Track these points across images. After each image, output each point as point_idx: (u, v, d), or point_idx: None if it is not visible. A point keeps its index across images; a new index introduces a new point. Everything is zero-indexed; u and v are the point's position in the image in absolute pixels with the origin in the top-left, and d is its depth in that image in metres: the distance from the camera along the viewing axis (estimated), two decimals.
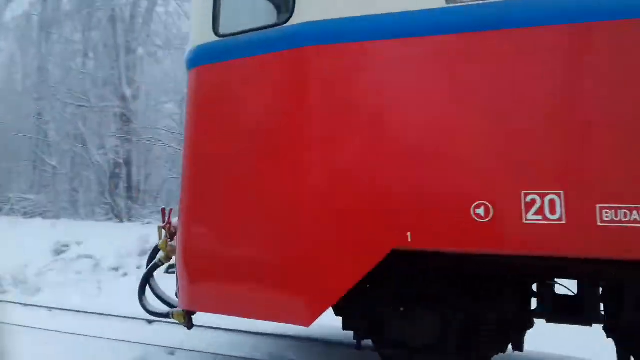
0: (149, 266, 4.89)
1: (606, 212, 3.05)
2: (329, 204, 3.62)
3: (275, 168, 3.80)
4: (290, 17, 3.85)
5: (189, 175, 4.26)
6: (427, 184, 3.42)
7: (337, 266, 3.60)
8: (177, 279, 4.38)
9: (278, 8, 4.48)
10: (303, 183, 3.70)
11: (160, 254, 4.80)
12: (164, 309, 4.84)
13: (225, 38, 4.19)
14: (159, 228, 4.77)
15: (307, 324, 3.67)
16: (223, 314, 4.23)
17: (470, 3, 3.40)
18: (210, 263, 4.14)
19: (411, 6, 3.49)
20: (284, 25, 3.88)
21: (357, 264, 3.53)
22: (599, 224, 3.06)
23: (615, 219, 3.04)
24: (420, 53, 3.51)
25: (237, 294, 4.05)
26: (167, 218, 4.75)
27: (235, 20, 4.26)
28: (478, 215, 3.27)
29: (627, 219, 3.02)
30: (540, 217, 3.16)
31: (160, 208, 5.19)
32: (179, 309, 4.47)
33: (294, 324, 3.80)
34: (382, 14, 3.55)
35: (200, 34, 4.32)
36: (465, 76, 3.36)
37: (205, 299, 4.21)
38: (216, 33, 4.23)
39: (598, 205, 3.07)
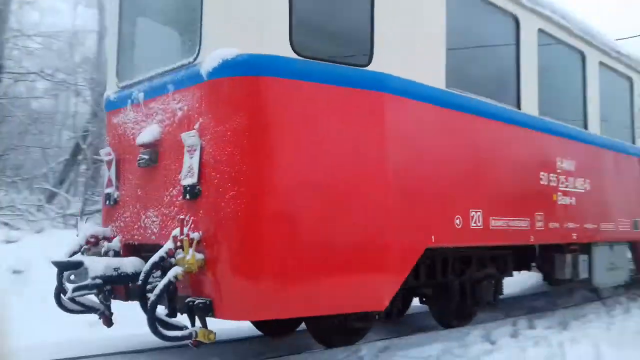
0: (162, 286, 3.96)
1: (493, 220, 5.77)
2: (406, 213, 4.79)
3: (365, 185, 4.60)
4: (370, 62, 4.61)
5: (273, 180, 4.25)
6: (439, 209, 5.15)
7: (402, 257, 4.81)
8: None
9: (353, 46, 4.79)
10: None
11: (178, 270, 4.03)
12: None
13: (306, 59, 4.31)
14: (186, 240, 4.03)
15: (384, 306, 4.72)
16: (305, 314, 4.59)
17: (454, 91, 5.36)
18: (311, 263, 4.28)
19: (428, 81, 5.06)
20: (366, 68, 4.60)
21: (410, 256, 4.88)
22: (490, 227, 5.74)
23: (497, 225, 5.82)
24: (455, 119, 5.39)
25: (322, 290, 4.41)
26: (182, 230, 4.12)
27: (312, 43, 4.47)
28: (456, 225, 5.33)
29: (501, 225, 5.86)
30: (477, 224, 5.55)
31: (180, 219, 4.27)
32: (201, 328, 4.12)
33: (373, 309, 4.83)
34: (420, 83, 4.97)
35: (258, 42, 4.21)
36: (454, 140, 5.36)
37: (286, 301, 4.23)
38: (295, 50, 4.26)
39: (491, 218, 5.74)
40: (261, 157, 4.19)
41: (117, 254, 5.04)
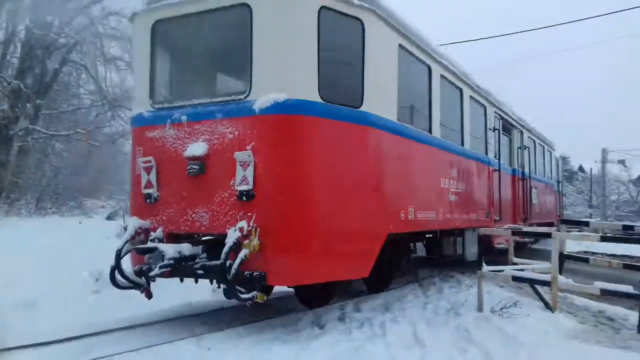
0: (237, 264, 5.58)
1: (419, 213, 8.08)
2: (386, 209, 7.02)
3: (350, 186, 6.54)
4: (362, 104, 6.61)
5: (303, 188, 6.10)
6: (395, 206, 7.31)
7: (377, 240, 6.87)
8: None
9: (351, 95, 6.63)
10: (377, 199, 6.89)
11: (246, 252, 5.69)
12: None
13: (330, 103, 6.24)
14: (253, 230, 5.74)
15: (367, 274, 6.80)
16: (324, 280, 6.74)
17: (404, 124, 7.60)
18: (326, 243, 6.19)
19: (389, 116, 7.19)
20: (359, 109, 6.59)
21: (380, 240, 6.93)
22: (418, 218, 8.01)
23: (420, 217, 8.12)
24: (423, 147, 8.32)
25: (334, 261, 6.33)
26: (248, 222, 5.86)
27: (330, 92, 6.27)
28: (402, 217, 7.49)
29: (422, 217, 8.17)
30: (411, 217, 7.79)
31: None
32: (258, 292, 5.85)
33: (362, 276, 6.90)
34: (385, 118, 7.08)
35: (298, 87, 6.03)
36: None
37: (311, 271, 6.14)
38: (322, 92, 6.15)
39: (417, 212, 8.00)
40: (299, 174, 6.05)
41: (160, 242, 6.41)
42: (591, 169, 53.13)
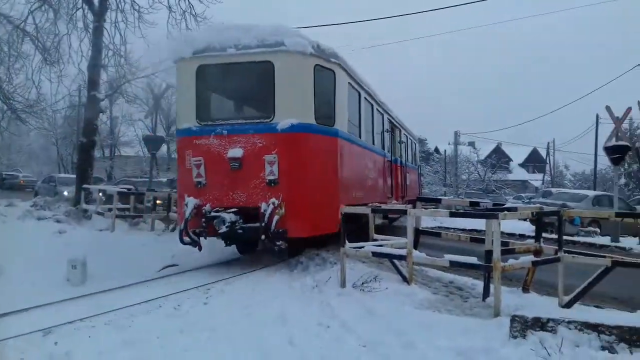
0: (273, 225, 8.70)
1: (357, 192, 11.12)
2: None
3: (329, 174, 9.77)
4: (334, 123, 9.86)
5: (306, 178, 9.31)
6: (350, 190, 10.66)
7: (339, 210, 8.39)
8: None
9: (328, 118, 9.82)
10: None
11: (277, 217, 8.79)
12: None
13: (319, 124, 9.51)
14: (282, 203, 8.89)
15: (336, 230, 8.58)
16: (318, 234, 9.54)
17: (350, 134, 10.87)
18: (317, 211, 9.22)
19: (344, 129, 10.42)
20: (333, 126, 9.85)
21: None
22: (357, 196, 11.12)
23: (357, 195, 11.25)
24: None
25: (321, 222, 9.28)
26: (278, 199, 8.91)
27: (318, 117, 9.55)
28: (353, 194, 10.78)
29: (359, 195, 11.30)
30: (354, 195, 10.94)
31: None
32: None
33: (334, 231, 8.84)
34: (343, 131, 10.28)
35: (304, 116, 9.27)
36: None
37: (311, 228, 9.25)
38: (316, 119, 9.47)
39: (357, 192, 11.20)
40: (304, 169, 9.29)
41: (209, 213, 9.13)
42: (445, 151, 57.28)
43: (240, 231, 8.95)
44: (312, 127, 9.37)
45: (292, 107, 9.23)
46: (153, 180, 23.72)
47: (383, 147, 14.57)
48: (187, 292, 7.51)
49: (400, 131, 18.07)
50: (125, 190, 17.01)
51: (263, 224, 8.66)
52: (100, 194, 17.59)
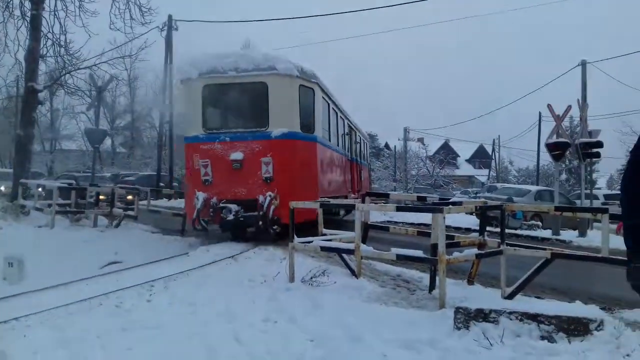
0: (270, 214, 10.78)
1: (330, 186, 14.20)
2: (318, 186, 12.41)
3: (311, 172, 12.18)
4: (314, 131, 12.28)
5: (294, 175, 11.48)
6: (324, 183, 13.30)
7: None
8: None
9: (309, 128, 12.18)
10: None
11: (274, 207, 10.96)
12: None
13: (303, 132, 11.79)
14: (277, 196, 10.90)
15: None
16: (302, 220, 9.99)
17: (324, 138, 13.77)
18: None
19: (320, 135, 13.05)
20: (313, 134, 12.25)
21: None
22: (330, 189, 13.96)
23: (330, 189, 14.02)
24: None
25: (306, 212, 9.85)
26: (273, 193, 11.01)
27: (303, 126, 11.87)
28: (327, 188, 13.45)
29: (331, 189, 14.22)
30: (327, 189, 13.58)
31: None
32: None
33: (313, 219, 9.30)
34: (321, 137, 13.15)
35: (292, 126, 11.43)
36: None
37: (295, 217, 8.31)
38: (301, 128, 11.75)
39: (330, 186, 14.02)
40: (293, 168, 11.38)
41: (216, 205, 11.17)
42: (395, 146, 58.11)
43: (241, 219, 10.91)
44: (298, 134, 11.62)
45: (283, 119, 11.37)
46: (96, 175, 23.01)
47: (344, 148, 17.30)
48: (130, 290, 7.27)
49: (355, 133, 20.75)
50: (66, 185, 16.41)
51: (261, 213, 10.70)
52: (40, 189, 16.90)
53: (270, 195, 10.78)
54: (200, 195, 11.03)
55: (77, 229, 13.72)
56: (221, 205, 10.98)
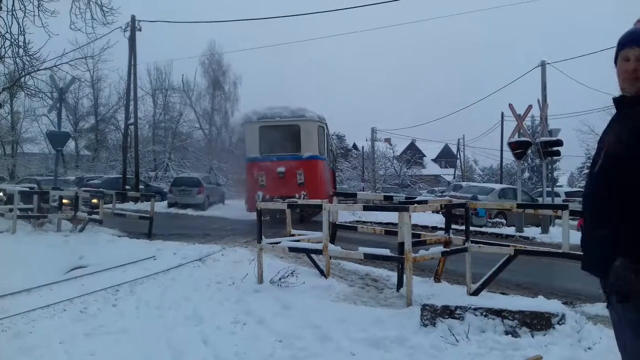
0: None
1: (330, 190, 19.29)
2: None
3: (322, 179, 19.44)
4: (324, 154, 19.96)
5: (315, 181, 18.58)
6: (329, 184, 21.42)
7: None
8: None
9: (322, 152, 19.48)
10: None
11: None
12: None
13: (319, 155, 18.82)
14: (306, 194, 17.13)
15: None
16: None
17: (323, 156, 19.94)
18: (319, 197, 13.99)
19: (323, 155, 19.85)
20: (323, 155, 19.71)
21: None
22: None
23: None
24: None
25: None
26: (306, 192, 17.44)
27: (320, 151, 19.03)
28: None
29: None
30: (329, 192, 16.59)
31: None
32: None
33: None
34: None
35: (314, 151, 18.31)
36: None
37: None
38: (318, 152, 18.77)
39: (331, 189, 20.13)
40: (315, 177, 18.27)
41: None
42: (363, 147, 58.41)
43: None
44: (317, 156, 18.54)
45: (309, 147, 18.21)
46: (60, 179, 22.47)
47: (330, 161, 23.10)
48: (95, 294, 7.15)
49: (332, 145, 27.15)
50: (28, 189, 15.99)
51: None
52: (1, 193, 16.43)
53: (303, 194, 17.18)
54: (259, 193, 17.29)
55: (40, 233, 13.35)
56: (275, 201, 15.30)
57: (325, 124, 19.68)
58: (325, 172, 19.54)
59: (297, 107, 18.46)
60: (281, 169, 17.56)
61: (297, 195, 16.81)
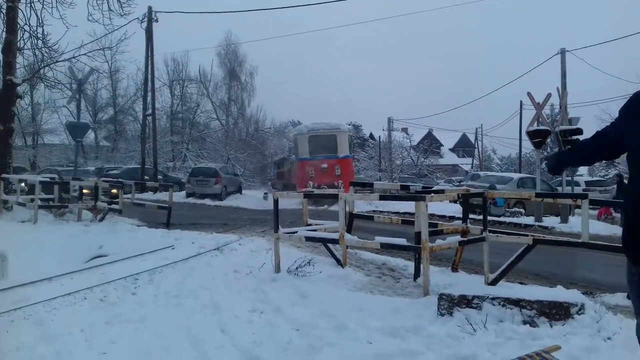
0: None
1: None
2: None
3: (352, 172, 27.31)
4: (351, 153, 31.20)
5: (348, 174, 24.72)
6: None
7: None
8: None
9: (350, 152, 29.38)
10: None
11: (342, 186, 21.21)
12: None
13: (349, 154, 27.06)
14: (342, 183, 22.25)
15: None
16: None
17: (351, 154, 28.60)
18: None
19: (350, 154, 28.37)
20: (351, 154, 29.15)
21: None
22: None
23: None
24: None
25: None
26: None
27: (350, 152, 28.68)
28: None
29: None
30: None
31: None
32: None
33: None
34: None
35: (346, 152, 25.39)
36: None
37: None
38: (349, 152, 26.85)
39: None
40: (347, 171, 24.85)
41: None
42: (380, 136, 58.15)
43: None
44: (348, 156, 25.31)
45: (343, 149, 24.47)
46: (80, 169, 22.72)
47: (350, 154, 27.69)
48: (115, 283, 7.25)
49: (352, 141, 31.60)
50: (48, 180, 16.21)
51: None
52: (22, 183, 16.68)
53: (340, 182, 22.45)
54: (310, 183, 23.11)
55: (60, 223, 13.56)
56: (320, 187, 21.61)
57: (351, 133, 29.19)
58: (353, 166, 27.81)
59: (334, 122, 25.88)
60: (324, 165, 24.03)
61: (336, 183, 22.65)
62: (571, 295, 5.36)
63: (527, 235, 7.18)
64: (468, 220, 7.83)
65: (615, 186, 20.53)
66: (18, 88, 15.95)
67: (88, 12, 16.41)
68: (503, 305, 5.01)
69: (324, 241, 8.26)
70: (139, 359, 4.54)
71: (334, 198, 9.89)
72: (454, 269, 8.07)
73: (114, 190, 15.96)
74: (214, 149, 42.77)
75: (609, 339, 4.61)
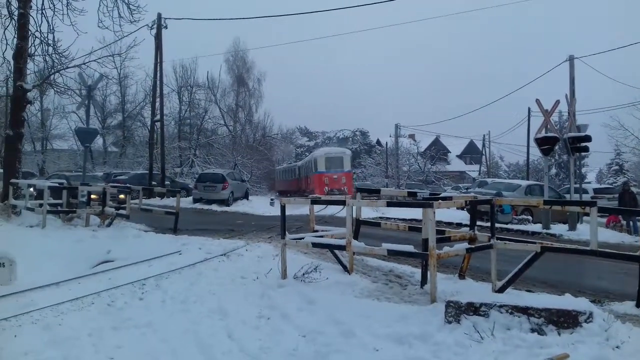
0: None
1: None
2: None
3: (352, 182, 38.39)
4: (351, 168, 41.52)
5: (349, 183, 36.68)
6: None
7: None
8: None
9: (351, 168, 43.02)
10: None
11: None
12: None
13: (350, 169, 40.85)
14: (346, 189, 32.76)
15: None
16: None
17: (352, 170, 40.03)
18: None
19: (350, 169, 40.59)
20: (351, 169, 40.18)
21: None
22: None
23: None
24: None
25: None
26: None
27: (351, 167, 43.13)
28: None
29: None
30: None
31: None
32: None
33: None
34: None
35: (349, 167, 37.46)
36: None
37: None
38: (351, 168, 42.73)
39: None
40: (349, 181, 36.43)
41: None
42: (387, 143, 58.10)
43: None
44: (350, 170, 37.06)
45: (347, 166, 35.78)
46: (89, 175, 22.83)
47: (351, 169, 37.33)
48: (122, 288, 7.27)
49: (352, 161, 40.40)
50: (57, 185, 16.30)
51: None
52: (31, 188, 16.78)
53: (345, 188, 31.87)
54: (326, 188, 32.20)
55: (69, 228, 13.63)
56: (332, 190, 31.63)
57: (352, 154, 39.72)
58: (352, 177, 38.19)
59: (342, 149, 38.56)
60: (335, 176, 33.88)
61: (342, 188, 32.52)
62: (579, 303, 5.33)
63: (535, 243, 7.15)
64: (475, 227, 7.81)
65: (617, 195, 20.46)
66: (28, 94, 16.08)
67: (99, 18, 16.55)
68: (511, 313, 4.98)
69: (331, 247, 8.26)
70: None
71: (342, 204, 9.92)
72: (461, 276, 8.03)
73: (122, 196, 16.04)
74: (221, 154, 42.89)
75: (617, 347, 4.58)
